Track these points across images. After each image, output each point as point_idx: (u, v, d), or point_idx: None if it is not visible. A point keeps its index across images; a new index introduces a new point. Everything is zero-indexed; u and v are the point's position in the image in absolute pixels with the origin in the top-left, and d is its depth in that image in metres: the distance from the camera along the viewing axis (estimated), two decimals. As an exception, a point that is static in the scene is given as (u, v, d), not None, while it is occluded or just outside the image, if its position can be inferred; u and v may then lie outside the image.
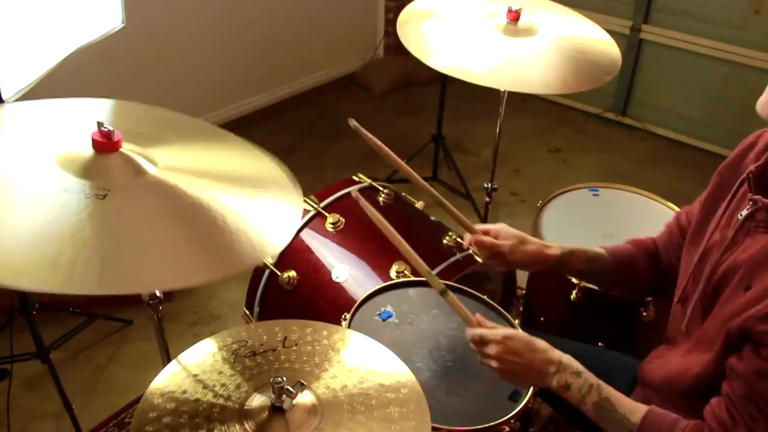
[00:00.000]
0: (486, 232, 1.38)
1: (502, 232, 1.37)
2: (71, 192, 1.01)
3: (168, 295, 2.26)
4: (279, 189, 1.20)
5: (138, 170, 1.09)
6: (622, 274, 1.36)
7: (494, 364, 1.17)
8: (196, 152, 1.25)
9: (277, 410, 1.01)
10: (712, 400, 1.05)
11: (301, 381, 1.03)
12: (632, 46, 3.61)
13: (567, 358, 1.14)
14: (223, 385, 1.07)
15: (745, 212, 1.06)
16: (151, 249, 0.99)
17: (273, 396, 1.01)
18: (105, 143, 1.09)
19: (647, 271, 1.36)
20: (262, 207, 1.14)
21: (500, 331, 1.18)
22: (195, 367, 1.11)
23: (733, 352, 1.02)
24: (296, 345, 1.16)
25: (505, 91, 2.10)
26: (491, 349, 1.16)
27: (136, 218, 1.02)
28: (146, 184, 1.08)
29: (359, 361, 1.14)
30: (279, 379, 1.00)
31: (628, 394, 1.16)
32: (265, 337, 1.18)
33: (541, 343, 1.17)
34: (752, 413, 0.97)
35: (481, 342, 1.18)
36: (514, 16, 1.87)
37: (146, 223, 1.02)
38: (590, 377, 1.13)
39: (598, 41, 1.95)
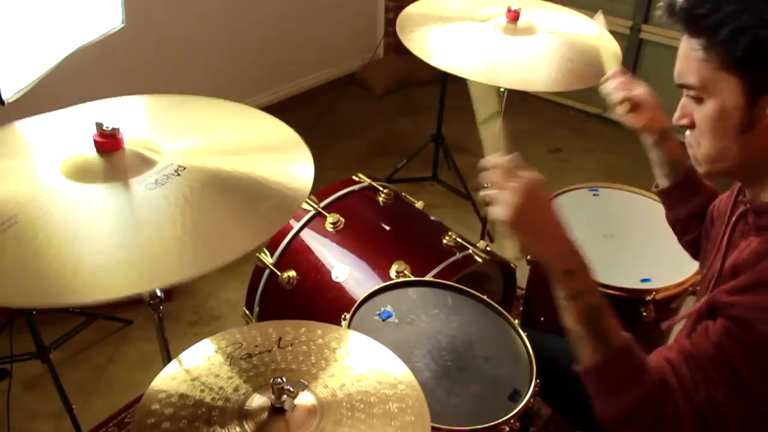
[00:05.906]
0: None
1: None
2: (140, 189, 1.04)
3: (168, 295, 2.26)
4: (281, 141, 1.24)
5: (146, 160, 1.10)
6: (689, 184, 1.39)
7: (510, 199, 0.94)
8: (183, 127, 1.27)
9: (277, 411, 1.01)
10: (667, 354, 0.98)
11: (302, 381, 1.03)
12: (632, 46, 3.61)
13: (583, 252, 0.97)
14: (221, 387, 1.07)
15: (738, 213, 1.05)
16: (217, 220, 1.02)
17: (273, 397, 1.01)
18: (109, 143, 1.08)
19: (699, 205, 1.37)
20: (274, 160, 1.17)
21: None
22: (192, 370, 1.11)
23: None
24: (291, 345, 1.16)
25: (505, 91, 2.10)
26: (509, 183, 0.95)
27: (193, 199, 1.04)
28: (166, 171, 1.09)
29: (355, 359, 1.14)
30: (279, 379, 1.00)
31: None
32: (259, 338, 1.18)
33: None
34: (713, 378, 0.91)
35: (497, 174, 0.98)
36: (514, 15, 1.87)
37: (197, 200, 1.05)
38: (595, 281, 0.97)
39: (599, 38, 1.95)
